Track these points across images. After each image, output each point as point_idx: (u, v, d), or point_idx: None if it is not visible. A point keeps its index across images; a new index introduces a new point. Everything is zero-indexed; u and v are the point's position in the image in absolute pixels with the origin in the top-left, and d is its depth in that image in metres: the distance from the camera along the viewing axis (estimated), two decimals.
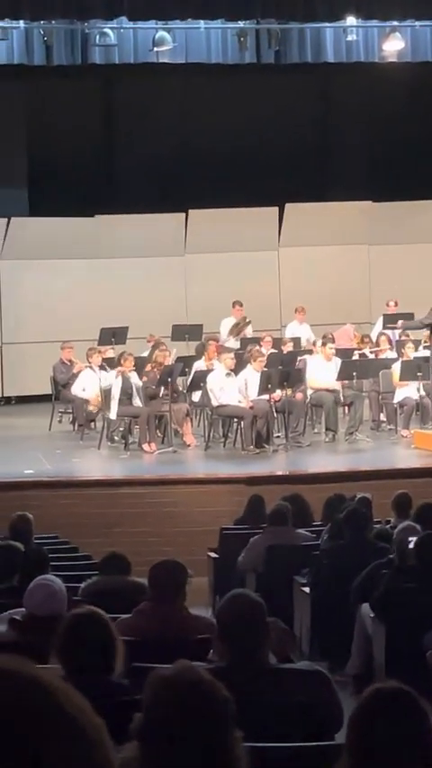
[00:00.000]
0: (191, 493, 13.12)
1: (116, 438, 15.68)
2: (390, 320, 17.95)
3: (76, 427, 16.70)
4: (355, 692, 6.75)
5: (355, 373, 15.76)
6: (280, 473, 13.73)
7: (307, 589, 8.75)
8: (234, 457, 14.76)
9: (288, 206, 20.70)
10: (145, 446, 15.01)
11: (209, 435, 15.39)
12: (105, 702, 3.85)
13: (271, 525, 9.51)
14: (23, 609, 5.58)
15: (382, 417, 16.40)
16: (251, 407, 14.75)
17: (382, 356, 16.96)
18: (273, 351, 16.63)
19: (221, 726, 2.42)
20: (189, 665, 2.71)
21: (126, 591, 6.63)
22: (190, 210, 20.50)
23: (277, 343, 17.32)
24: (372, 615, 7.52)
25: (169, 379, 15.18)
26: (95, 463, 14.99)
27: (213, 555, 10.68)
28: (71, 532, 11.21)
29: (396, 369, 15.93)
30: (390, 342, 17.20)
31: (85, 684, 3.95)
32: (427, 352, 16.18)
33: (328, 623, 8.42)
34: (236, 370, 15.35)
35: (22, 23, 17.62)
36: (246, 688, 3.78)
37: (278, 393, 15.18)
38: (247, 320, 18.36)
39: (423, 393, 15.46)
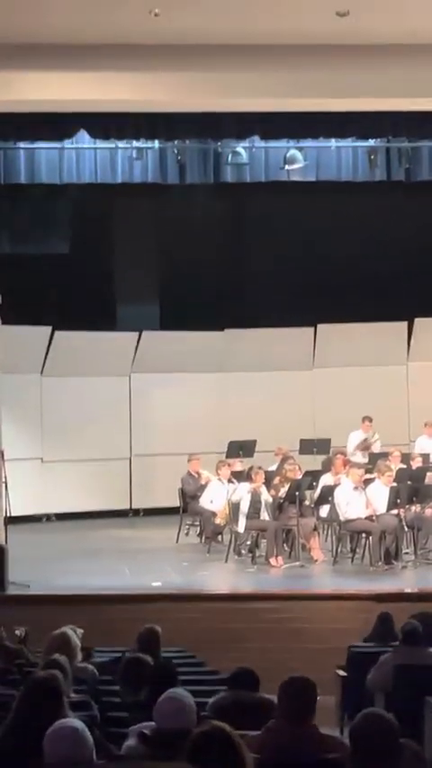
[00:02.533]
0: (318, 609, 12.97)
1: (243, 551, 15.63)
2: None
3: (203, 540, 16.69)
4: None
5: None
6: (409, 590, 13.51)
7: None
8: (362, 573, 14.59)
9: (417, 321, 20.69)
10: (272, 560, 14.93)
11: (337, 550, 15.25)
12: None
13: (402, 644, 9.33)
14: (152, 723, 5.54)
15: None
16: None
17: None
18: (401, 466, 16.49)
19: None
20: None
21: (255, 707, 6.55)
22: (318, 325, 20.60)
23: (406, 458, 17.16)
24: None
25: (297, 494, 15.13)
26: (222, 577, 14.94)
27: (342, 673, 10.50)
28: (197, 646, 11.12)
29: None
30: None
31: None
32: None
33: None
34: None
35: (156, 143, 18.08)
36: None
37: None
38: (376, 437, 18.28)
39: None
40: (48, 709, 5.22)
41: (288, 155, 18.41)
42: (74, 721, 4.71)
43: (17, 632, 10.08)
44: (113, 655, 9.25)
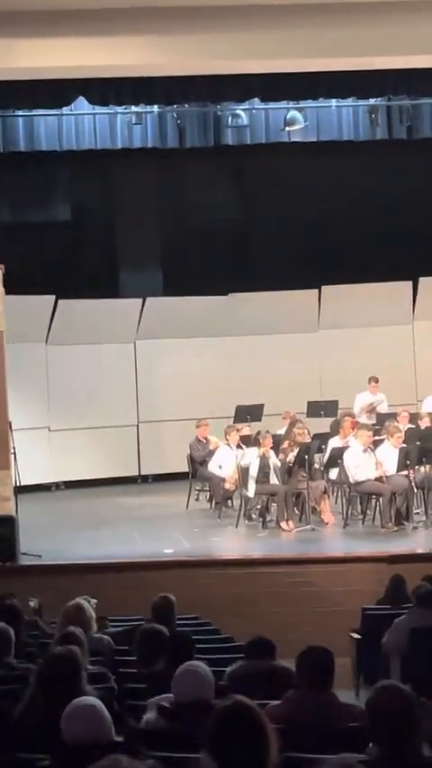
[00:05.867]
0: (330, 572, 12.97)
1: (254, 516, 15.63)
2: None
3: (213, 505, 16.71)
4: None
5: None
6: (420, 551, 13.50)
7: None
8: (373, 534, 14.59)
9: (422, 280, 20.60)
10: (283, 524, 14.93)
11: (347, 513, 15.25)
12: None
13: (417, 607, 9.33)
14: (170, 695, 5.54)
15: None
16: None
17: None
18: (409, 426, 16.46)
19: None
20: (349, 763, 2.65)
21: (272, 676, 6.55)
22: (323, 287, 20.53)
23: (414, 418, 17.13)
24: None
25: (306, 457, 15.12)
26: (233, 542, 14.96)
27: (356, 635, 10.52)
28: (210, 612, 11.15)
29: None
30: None
31: None
32: None
33: None
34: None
35: (155, 108, 17.98)
36: None
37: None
38: (382, 398, 18.28)
39: None
40: (67, 685, 5.22)
41: (288, 116, 18.34)
42: (91, 699, 4.70)
43: (31, 604, 10.10)
44: (127, 624, 9.26)
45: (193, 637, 7.58)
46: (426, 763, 4.12)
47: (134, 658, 7.44)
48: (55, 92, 16.53)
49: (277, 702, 5.61)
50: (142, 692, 6.44)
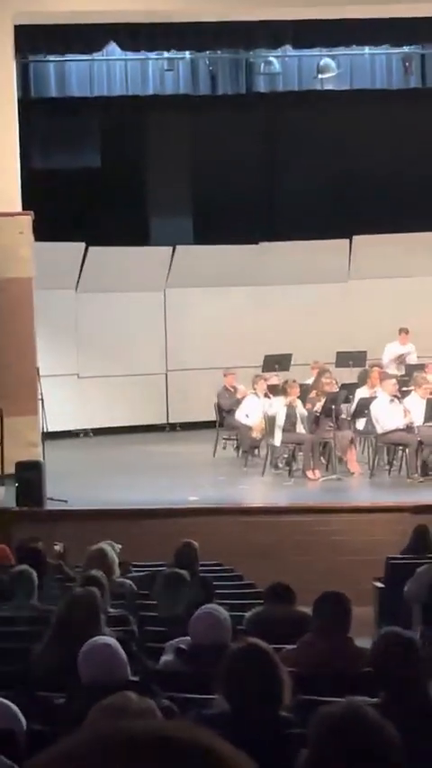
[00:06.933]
0: (355, 521, 13.01)
1: (280, 465, 15.67)
2: None
3: (240, 454, 16.74)
4: None
5: None
6: None
7: None
8: (399, 485, 14.60)
9: None
10: (309, 473, 14.96)
11: (374, 463, 15.26)
12: (272, 736, 3.84)
13: None
14: (189, 638, 5.60)
15: None
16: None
17: None
18: None
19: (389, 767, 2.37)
20: (357, 705, 2.67)
21: (290, 621, 6.59)
22: (354, 237, 20.42)
23: None
24: None
25: (333, 407, 15.12)
26: (259, 490, 15.01)
27: (379, 585, 10.55)
28: (234, 560, 11.20)
29: None
30: None
31: (251, 719, 3.95)
32: None
33: None
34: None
35: (187, 54, 17.87)
36: (406, 724, 3.71)
37: None
38: (411, 348, 18.22)
39: None
40: (85, 625, 5.28)
41: (321, 63, 18.17)
42: (107, 639, 4.76)
43: (56, 547, 10.18)
44: (151, 569, 9.33)
45: (216, 582, 7.66)
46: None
47: (155, 602, 7.51)
48: (86, 37, 16.45)
49: (293, 646, 5.66)
50: (162, 635, 6.50)
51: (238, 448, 16.93)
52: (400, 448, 15.06)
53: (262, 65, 18.25)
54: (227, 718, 3.99)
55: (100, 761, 1.52)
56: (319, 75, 18.30)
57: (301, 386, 15.75)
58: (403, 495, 13.83)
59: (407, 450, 14.78)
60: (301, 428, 15.29)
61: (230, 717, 3.98)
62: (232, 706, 4.04)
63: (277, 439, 15.23)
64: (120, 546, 9.10)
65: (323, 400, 15.28)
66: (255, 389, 16.54)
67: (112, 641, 4.68)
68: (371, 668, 4.26)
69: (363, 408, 15.55)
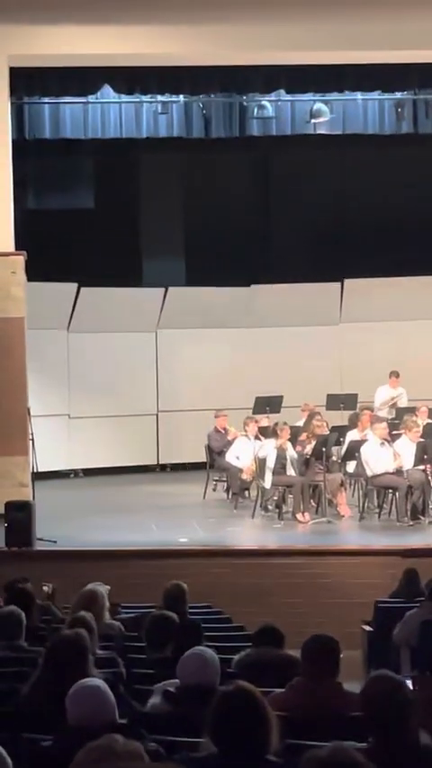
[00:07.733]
0: (344, 564, 12.98)
1: (270, 507, 15.65)
2: None
3: (230, 496, 16.73)
4: None
5: None
6: None
7: None
8: (389, 528, 14.59)
9: None
10: (299, 516, 14.95)
11: (363, 506, 15.26)
12: None
13: (428, 600, 9.33)
14: (177, 681, 5.57)
15: None
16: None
17: None
18: (429, 421, 16.43)
19: None
20: (343, 748, 2.68)
21: (279, 665, 6.57)
22: (345, 280, 20.50)
23: None
24: None
25: (324, 449, 15.13)
26: (249, 532, 14.98)
27: (368, 628, 10.53)
28: (223, 602, 11.16)
29: None
30: None
31: (239, 762, 3.94)
32: None
33: None
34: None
35: (181, 97, 18.00)
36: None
37: None
38: (401, 392, 18.26)
39: None
40: (73, 667, 5.26)
41: (314, 108, 18.31)
42: (95, 680, 4.74)
43: (45, 588, 10.15)
44: (140, 611, 9.30)
45: (205, 625, 7.62)
46: (424, 750, 4.13)
47: (144, 644, 7.47)
48: (81, 80, 16.60)
49: (281, 690, 5.64)
50: (150, 677, 6.47)
51: (228, 490, 16.92)
52: (390, 491, 15.06)
53: (255, 109, 18.38)
54: (215, 761, 3.97)
55: None
56: (312, 120, 18.44)
57: (292, 428, 15.78)
58: (393, 538, 13.82)
59: (397, 494, 14.78)
60: (291, 470, 15.31)
61: (218, 760, 3.97)
62: (220, 749, 4.03)
63: (267, 481, 15.23)
64: (108, 587, 9.07)
65: (314, 443, 15.29)
66: (245, 431, 16.55)
67: (101, 683, 4.66)
68: (360, 712, 4.24)
69: (353, 451, 15.56)
